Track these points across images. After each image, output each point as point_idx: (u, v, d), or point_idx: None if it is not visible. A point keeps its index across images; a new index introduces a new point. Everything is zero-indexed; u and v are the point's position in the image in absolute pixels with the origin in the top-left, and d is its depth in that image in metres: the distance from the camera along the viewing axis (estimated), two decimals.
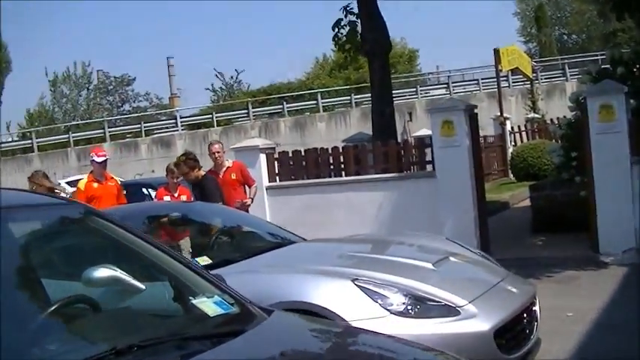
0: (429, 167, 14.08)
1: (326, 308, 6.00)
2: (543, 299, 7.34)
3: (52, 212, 4.40)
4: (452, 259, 7.33)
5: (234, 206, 11.74)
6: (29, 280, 4.18)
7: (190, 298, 3.96)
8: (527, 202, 17.01)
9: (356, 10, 17.97)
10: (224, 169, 12.56)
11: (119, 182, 12.66)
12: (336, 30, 18.41)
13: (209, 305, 3.88)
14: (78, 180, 24.68)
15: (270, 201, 15.15)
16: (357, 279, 6.24)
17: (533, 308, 6.76)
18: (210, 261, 7.31)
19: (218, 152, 12.58)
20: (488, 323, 6.03)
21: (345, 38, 18.39)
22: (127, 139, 46.57)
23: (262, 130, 44.68)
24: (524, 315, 6.52)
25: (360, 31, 17.86)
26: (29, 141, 47.74)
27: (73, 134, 47.61)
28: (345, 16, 18.37)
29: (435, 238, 8.42)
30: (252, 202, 12.69)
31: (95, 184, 12.01)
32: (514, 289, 6.86)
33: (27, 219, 4.30)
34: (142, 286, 4.90)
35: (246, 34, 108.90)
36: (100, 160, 12.14)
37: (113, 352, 3.20)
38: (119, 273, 5.10)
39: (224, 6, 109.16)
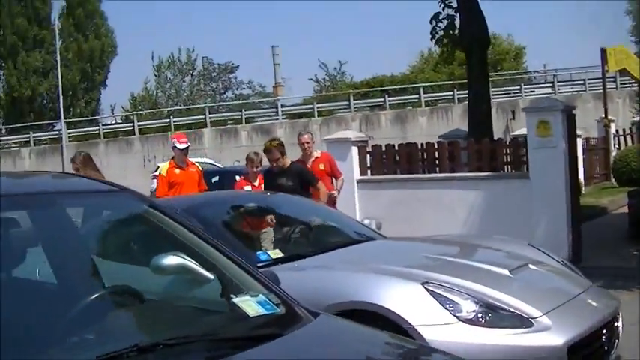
0: (523, 168, 13.69)
1: (392, 311, 5.76)
2: (633, 314, 6.94)
3: (104, 200, 4.30)
4: (531, 266, 6.98)
5: (321, 198, 11.63)
6: (82, 265, 4.11)
7: (232, 296, 3.76)
8: (626, 209, 16.40)
9: (455, 4, 17.63)
10: (312, 159, 12.42)
11: (200, 169, 12.57)
12: (434, 23, 18.11)
13: (251, 304, 3.69)
14: None
15: (360, 195, 14.97)
16: (427, 282, 5.98)
17: (615, 324, 6.35)
18: (281, 254, 7.15)
19: (307, 143, 12.43)
20: (562, 337, 5.70)
21: (442, 32, 18.08)
22: (228, 126, 46.78)
23: (363, 122, 44.44)
24: (604, 331, 6.12)
25: (458, 26, 17.52)
26: (131, 124, 48.39)
27: (175, 119, 48.13)
28: (443, 9, 18.07)
29: (517, 244, 8.04)
30: (338, 194, 12.48)
31: (177, 171, 12.01)
32: (595, 303, 6.49)
33: (79, 205, 4.25)
34: (210, 275, 4.87)
35: (353, 25, 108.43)
36: (181, 147, 12.14)
37: (135, 349, 3.05)
38: (188, 261, 5.02)
39: None
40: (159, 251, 4.21)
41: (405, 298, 5.90)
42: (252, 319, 3.62)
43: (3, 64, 60.80)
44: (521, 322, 5.80)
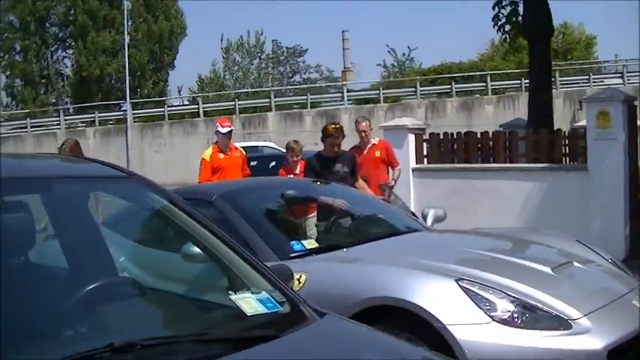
0: (582, 160, 13.30)
1: (423, 308, 5.50)
2: None
3: (112, 186, 4.14)
4: (576, 264, 6.64)
5: (378, 188, 11.48)
6: (88, 253, 3.99)
7: (231, 292, 3.54)
8: None
9: None
10: (369, 145, 12.14)
11: (244, 153, 12.41)
12: (497, 10, 17.71)
13: (250, 302, 3.46)
14: (242, 147, 24.92)
15: (416, 183, 14.74)
16: (461, 279, 5.68)
17: None
18: (316, 245, 6.93)
19: (365, 131, 12.16)
20: (602, 341, 5.39)
21: (505, 19, 17.68)
22: (292, 110, 46.67)
23: (428, 109, 44.07)
24: None
25: (521, 13, 17.11)
26: (196, 106, 48.50)
27: (240, 102, 48.13)
28: None
29: (565, 239, 7.67)
30: (395, 183, 12.24)
31: (221, 155, 11.83)
32: None
33: (86, 190, 4.11)
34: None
35: (423, 11, 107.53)
36: (224, 130, 11.97)
37: (109, 350, 2.85)
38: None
39: None
40: (164, 240, 4.06)
41: (437, 296, 5.63)
42: (249, 318, 3.39)
43: (73, 44, 61.48)
44: (560, 323, 5.50)
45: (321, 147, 10.98)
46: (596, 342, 5.38)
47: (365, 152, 11.99)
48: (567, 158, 13.96)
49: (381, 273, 6.01)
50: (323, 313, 3.63)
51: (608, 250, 11.44)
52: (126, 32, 52.39)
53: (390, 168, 12.39)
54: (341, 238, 7.50)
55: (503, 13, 17.76)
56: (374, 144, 12.19)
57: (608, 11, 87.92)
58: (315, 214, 8.26)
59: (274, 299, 3.56)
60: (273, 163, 19.52)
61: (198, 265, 4.03)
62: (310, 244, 6.90)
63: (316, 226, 7.92)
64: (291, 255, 6.63)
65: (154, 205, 4.05)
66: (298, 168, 11.66)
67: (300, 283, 6.11)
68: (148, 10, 60.00)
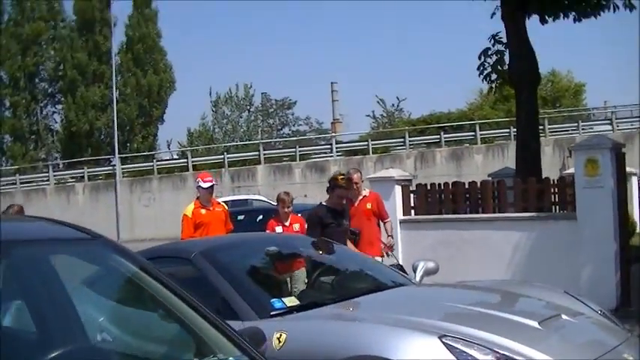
0: (571, 208, 13.17)
1: None
2: None
3: (77, 248, 3.97)
4: (564, 317, 6.44)
5: (379, 247, 11.64)
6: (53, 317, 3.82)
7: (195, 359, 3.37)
8: None
9: (505, 40, 17.20)
10: (360, 197, 11.96)
11: (226, 208, 12.28)
12: (482, 59, 17.67)
13: None
14: (231, 201, 24.70)
15: (403, 235, 14.56)
16: (445, 336, 5.50)
17: None
18: (297, 302, 6.76)
19: (357, 183, 11.96)
20: None
21: (490, 68, 17.64)
22: (282, 163, 46.64)
23: (418, 159, 44.09)
24: None
25: (507, 62, 17.08)
26: (186, 160, 48.42)
27: (229, 155, 48.09)
28: (493, 45, 17.62)
29: (552, 291, 7.48)
30: (392, 238, 12.14)
31: (203, 211, 11.73)
32: (631, 358, 5.96)
33: (49, 253, 3.94)
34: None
35: (412, 62, 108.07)
36: (206, 185, 11.86)
37: None
38: None
39: (390, 34, 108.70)
40: (131, 304, 3.90)
41: (420, 353, 5.43)
42: None
43: (62, 99, 61.59)
44: None
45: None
46: None
47: (356, 204, 11.83)
48: (557, 207, 13.83)
49: (363, 330, 5.83)
50: None
51: (599, 299, 11.26)
52: (114, 87, 52.42)
53: (380, 220, 12.21)
54: (324, 294, 7.32)
55: (488, 62, 17.71)
56: (365, 196, 12.04)
57: (597, 57, 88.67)
58: (300, 269, 8.11)
59: None
60: (260, 217, 19.31)
61: (167, 330, 3.84)
62: (291, 301, 6.74)
63: (298, 281, 7.76)
64: (272, 313, 6.46)
65: (119, 269, 3.88)
66: (289, 220, 11.55)
67: (280, 342, 5.96)
68: (136, 65, 60.18)
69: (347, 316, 6.33)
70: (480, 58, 17.71)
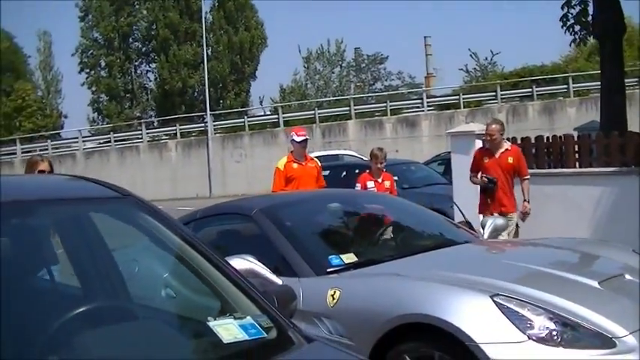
0: None
1: (455, 326, 5.21)
2: None
3: (109, 206, 3.97)
4: (628, 277, 6.21)
5: (514, 203, 11.27)
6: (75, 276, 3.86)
7: (209, 319, 3.32)
8: None
9: None
10: (502, 150, 11.36)
11: (319, 164, 12.15)
12: (565, 10, 17.21)
13: (230, 328, 3.24)
14: (322, 156, 24.79)
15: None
16: (497, 295, 5.36)
17: None
18: (355, 259, 6.68)
19: (494, 135, 11.28)
20: None
21: (573, 19, 17.18)
22: (373, 118, 46.39)
23: (509, 113, 43.38)
24: None
25: (591, 12, 16.62)
26: (277, 116, 48.54)
27: (320, 111, 48.05)
28: None
29: (621, 250, 7.24)
30: (528, 203, 11.45)
31: (295, 165, 11.60)
32: None
33: (79, 212, 3.95)
34: (278, 280, 4.72)
35: (507, 14, 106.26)
36: (299, 139, 11.72)
37: None
38: (257, 265, 4.70)
39: None
40: (153, 262, 3.89)
41: (470, 313, 5.32)
42: (224, 346, 3.17)
43: (155, 58, 62.34)
44: (602, 342, 5.13)
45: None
46: None
47: (497, 156, 11.29)
48: None
49: (415, 289, 5.73)
50: (311, 339, 3.39)
51: None
52: (205, 45, 52.79)
53: (519, 177, 11.59)
54: (384, 251, 7.24)
55: (572, 13, 17.26)
56: (507, 149, 11.45)
57: None
58: (362, 226, 8.04)
59: (260, 325, 3.34)
60: (344, 173, 19.29)
61: (190, 288, 3.82)
62: (349, 258, 6.65)
63: (361, 237, 7.68)
64: (329, 270, 6.41)
65: (145, 226, 3.85)
66: (381, 176, 11.55)
67: (334, 299, 5.92)
68: (228, 22, 60.44)
69: (403, 274, 6.21)
70: (562, 8, 17.29)
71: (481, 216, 10.50)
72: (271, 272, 4.82)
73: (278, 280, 4.80)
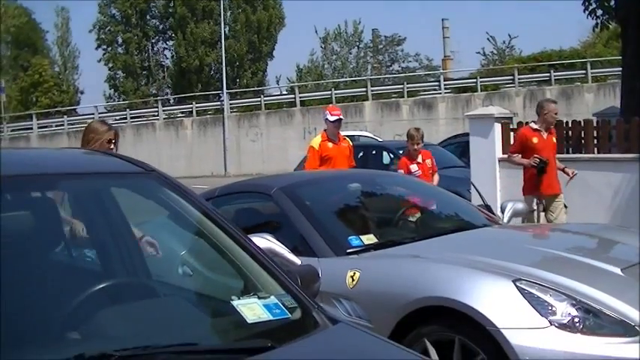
0: None
1: (477, 310, 5.16)
2: None
3: (129, 181, 3.95)
4: None
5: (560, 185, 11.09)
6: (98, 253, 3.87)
7: (233, 298, 3.29)
8: None
9: None
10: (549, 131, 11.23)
11: (351, 143, 11.99)
12: None
13: (255, 308, 3.19)
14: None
15: (502, 174, 14.25)
16: (519, 279, 5.31)
17: None
18: (375, 240, 6.63)
19: (556, 113, 11.21)
20: None
21: (596, 3, 17.03)
22: (389, 99, 46.22)
23: (527, 97, 43.09)
24: None
25: None
26: (293, 96, 48.42)
27: (337, 91, 47.92)
28: None
29: None
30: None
31: (329, 144, 11.42)
32: None
33: (103, 186, 3.94)
34: (297, 260, 4.71)
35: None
36: (333, 118, 11.52)
37: None
38: (276, 245, 4.67)
39: None
40: (177, 239, 3.86)
41: (492, 297, 5.27)
42: (249, 326, 3.13)
43: (173, 35, 62.35)
44: (625, 329, 5.07)
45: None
46: None
47: (544, 137, 11.13)
48: None
49: (436, 272, 5.68)
50: (336, 321, 3.35)
51: None
52: (222, 23, 52.68)
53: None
54: (404, 233, 7.20)
55: None
56: (551, 130, 11.33)
57: None
58: (383, 207, 7.98)
59: (284, 305, 3.30)
60: (361, 154, 19.21)
61: (214, 266, 3.79)
62: (369, 239, 6.61)
63: (381, 218, 7.63)
64: (349, 251, 6.37)
65: (168, 202, 3.82)
66: (420, 157, 11.43)
67: (353, 280, 5.90)
68: (246, 1, 60.38)
69: (423, 257, 6.16)
70: None
71: (518, 197, 10.25)
72: (290, 252, 4.79)
73: (297, 260, 4.77)
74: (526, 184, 11.01)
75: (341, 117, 11.69)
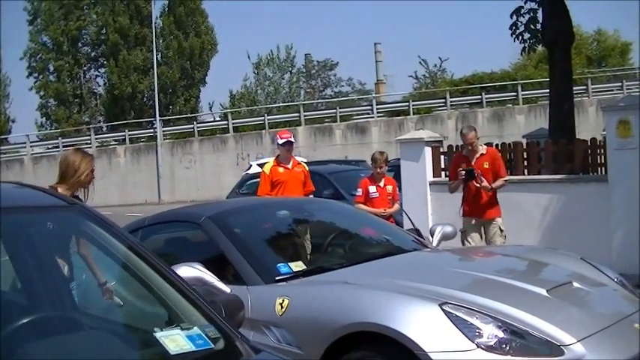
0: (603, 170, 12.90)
1: (404, 335, 5.20)
2: None
3: (55, 214, 3.91)
4: (576, 284, 6.26)
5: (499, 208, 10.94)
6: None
7: (156, 329, 3.27)
8: None
9: None
10: (477, 155, 11.10)
11: (306, 168, 11.84)
12: (515, 18, 17.35)
13: (177, 339, 3.21)
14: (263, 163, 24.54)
15: (433, 197, 14.45)
16: (445, 303, 5.35)
17: None
18: (304, 267, 6.65)
19: (472, 141, 11.02)
20: None
21: (523, 27, 17.32)
22: (322, 124, 46.39)
23: (459, 120, 43.56)
24: None
25: (540, 20, 16.75)
26: (226, 122, 48.35)
27: (270, 117, 47.98)
28: (525, 3, 17.28)
29: (568, 257, 7.26)
30: (492, 188, 10.94)
31: (280, 169, 11.27)
32: None
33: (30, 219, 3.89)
34: (227, 289, 4.72)
35: (456, 22, 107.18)
36: (281, 142, 11.39)
37: None
38: (205, 273, 4.66)
39: None
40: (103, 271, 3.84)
41: (419, 321, 5.31)
42: (171, 357, 3.13)
43: (105, 63, 61.92)
44: (550, 349, 5.15)
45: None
46: None
47: (473, 162, 11.02)
48: (589, 169, 13.53)
49: (364, 297, 5.70)
50: (259, 350, 3.36)
51: (630, 264, 11.13)
52: (154, 50, 52.55)
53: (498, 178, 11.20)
54: (333, 259, 7.22)
55: (521, 22, 17.40)
56: (482, 154, 11.17)
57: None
58: (309, 234, 7.98)
59: (207, 335, 3.31)
60: None
61: (138, 298, 3.77)
62: (297, 266, 6.63)
63: (309, 246, 7.65)
64: (277, 278, 6.37)
65: (92, 235, 3.79)
66: (383, 181, 11.39)
67: (282, 307, 5.88)
68: (178, 28, 60.12)
69: (351, 282, 6.18)
70: (512, 16, 17.42)
71: (448, 221, 10.25)
72: (219, 280, 4.78)
73: (226, 289, 4.76)
74: (464, 206, 11.00)
75: (290, 139, 11.53)
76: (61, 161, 6.91)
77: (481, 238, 10.72)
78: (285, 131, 12.49)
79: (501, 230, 10.70)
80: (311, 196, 11.30)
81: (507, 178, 11.22)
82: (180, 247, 7.47)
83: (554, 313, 5.57)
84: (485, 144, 12.00)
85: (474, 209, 10.78)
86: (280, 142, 11.41)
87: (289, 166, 11.37)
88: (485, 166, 10.98)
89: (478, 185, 10.69)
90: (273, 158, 11.75)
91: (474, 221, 10.77)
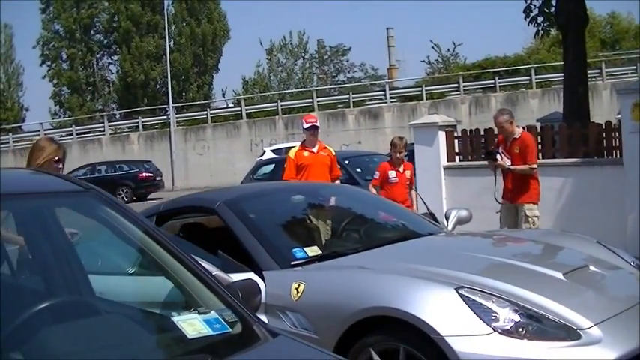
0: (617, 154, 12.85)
1: (420, 319, 5.18)
2: None
3: (66, 201, 3.91)
4: (592, 268, 6.23)
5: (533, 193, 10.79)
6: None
7: (174, 313, 3.29)
8: None
9: None
10: (511, 139, 10.88)
11: (333, 153, 11.72)
12: (528, 1, 17.28)
13: (194, 323, 3.22)
14: (285, 148, 24.45)
15: (447, 182, 14.41)
16: (462, 287, 5.34)
17: None
18: (319, 252, 6.64)
19: (502, 125, 10.92)
20: (614, 352, 5.00)
21: (537, 10, 17.24)
22: (335, 110, 46.30)
23: (472, 104, 43.51)
24: None
25: (554, 3, 16.68)
26: (239, 108, 48.37)
27: (283, 103, 47.94)
28: None
29: (585, 241, 7.21)
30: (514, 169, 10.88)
31: (305, 153, 11.32)
32: None
33: (39, 206, 3.91)
34: (228, 278, 4.88)
35: (469, 5, 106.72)
36: (306, 126, 11.47)
37: None
38: (205, 264, 4.68)
39: None
40: (116, 256, 3.85)
41: (435, 305, 5.29)
42: (189, 341, 3.14)
43: (117, 50, 62.01)
44: (567, 333, 5.12)
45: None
46: (607, 353, 5.01)
47: (507, 146, 10.91)
48: (604, 152, 13.47)
49: (380, 282, 5.69)
50: (276, 334, 3.36)
51: None
52: (167, 37, 52.55)
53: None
54: (348, 244, 7.21)
55: (535, 5, 17.32)
56: (515, 138, 10.93)
57: None
58: (325, 219, 7.97)
59: (224, 319, 3.32)
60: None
61: (155, 283, 3.78)
62: (313, 251, 6.61)
63: (329, 231, 7.64)
64: (293, 263, 6.37)
65: (108, 220, 3.80)
66: (402, 166, 11.49)
67: (298, 292, 5.88)
68: (190, 14, 60.23)
69: (367, 267, 6.18)
70: (525, 0, 17.34)
71: (463, 205, 10.15)
72: (219, 270, 4.80)
73: (228, 278, 4.78)
74: (503, 189, 10.96)
75: (316, 124, 11.56)
76: (33, 146, 7.03)
77: (513, 221, 10.70)
78: (311, 116, 12.53)
79: (527, 216, 10.55)
80: (338, 181, 11.31)
81: (534, 165, 10.88)
82: (196, 233, 7.45)
83: (571, 297, 5.55)
84: (522, 127, 11.89)
85: (505, 192, 10.82)
86: (305, 126, 11.46)
87: (314, 150, 11.39)
88: (516, 151, 10.82)
89: (498, 164, 10.68)
90: (299, 143, 11.80)
91: (507, 204, 10.79)
